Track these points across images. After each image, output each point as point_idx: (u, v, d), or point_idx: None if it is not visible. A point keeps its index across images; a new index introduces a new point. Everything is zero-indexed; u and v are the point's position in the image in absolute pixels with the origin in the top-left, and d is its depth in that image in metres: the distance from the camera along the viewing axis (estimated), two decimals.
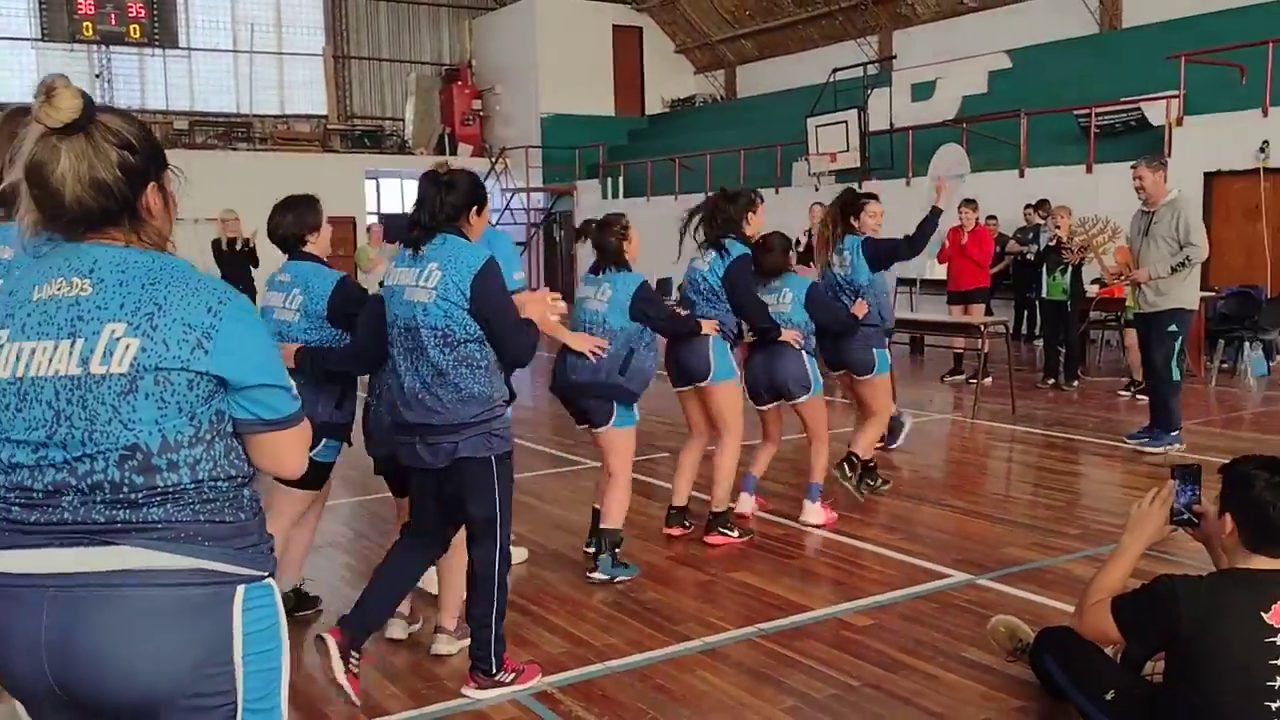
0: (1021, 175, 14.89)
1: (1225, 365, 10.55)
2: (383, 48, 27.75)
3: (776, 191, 19.04)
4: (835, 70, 18.17)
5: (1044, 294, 10.48)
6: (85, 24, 23.13)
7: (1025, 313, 13.71)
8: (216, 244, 11.89)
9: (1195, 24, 16.04)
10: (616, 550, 4.87)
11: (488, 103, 27.74)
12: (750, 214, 5.47)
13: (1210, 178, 12.80)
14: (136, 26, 23.52)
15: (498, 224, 23.46)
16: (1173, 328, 7.03)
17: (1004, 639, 3.69)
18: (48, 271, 1.75)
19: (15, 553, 1.69)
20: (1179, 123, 13.16)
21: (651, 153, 23.74)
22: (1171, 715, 2.79)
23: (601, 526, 4.93)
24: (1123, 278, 7.59)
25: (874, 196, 6.37)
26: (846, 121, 16.82)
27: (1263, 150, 12.09)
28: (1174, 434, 7.17)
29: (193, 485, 1.73)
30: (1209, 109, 13.09)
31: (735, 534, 5.42)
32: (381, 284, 3.90)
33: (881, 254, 6.06)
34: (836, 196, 6.35)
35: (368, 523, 5.98)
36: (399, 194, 28.13)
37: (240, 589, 1.76)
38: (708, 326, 5.26)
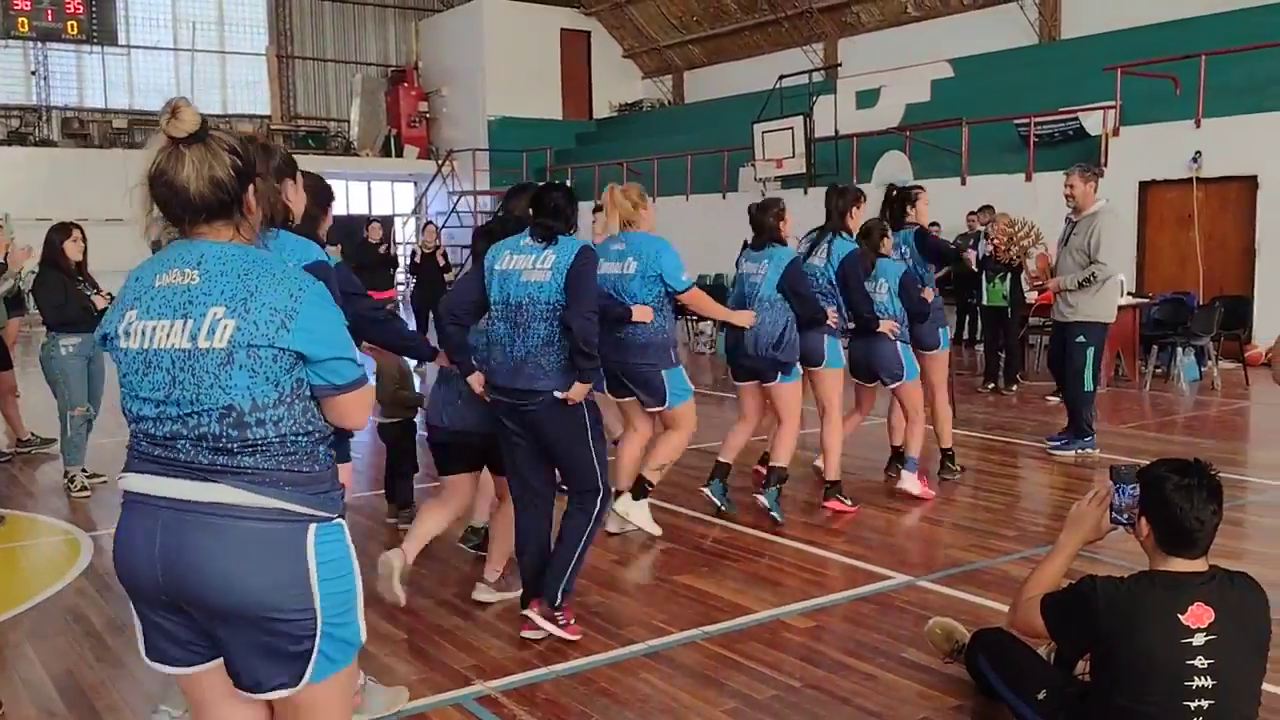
0: (963, 183, 15.13)
1: (1159, 370, 10.80)
2: (327, 48, 27.49)
3: (723, 196, 19.20)
4: (782, 77, 18.32)
5: (984, 300, 10.65)
6: (21, 19, 22.66)
7: (966, 318, 13.92)
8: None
9: (1131, 36, 16.41)
10: (780, 487, 5.78)
11: (434, 105, 27.60)
12: (855, 209, 6.10)
13: (1145, 187, 13.11)
14: (74, 23, 23.10)
15: (444, 226, 23.35)
16: (1080, 339, 7.15)
17: (941, 640, 3.75)
18: (165, 263, 2.14)
19: (142, 476, 2.14)
20: (1115, 133, 13.47)
21: (599, 157, 23.76)
22: (1099, 714, 2.86)
23: (771, 464, 5.87)
24: (1040, 284, 7.80)
25: (921, 188, 7.05)
26: (793, 128, 16.98)
27: (1195, 160, 12.41)
28: (1088, 439, 7.32)
29: (276, 439, 2.11)
30: (1144, 119, 13.40)
31: (849, 502, 5.98)
32: None
33: (937, 247, 6.96)
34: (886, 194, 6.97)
35: None
36: (343, 195, 27.86)
37: (313, 527, 2.12)
38: (886, 326, 6.08)
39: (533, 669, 3.88)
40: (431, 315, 12.92)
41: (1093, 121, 14.16)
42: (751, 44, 24.50)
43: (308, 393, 2.15)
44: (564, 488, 4.25)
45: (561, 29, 26.87)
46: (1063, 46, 18.39)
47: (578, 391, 3.99)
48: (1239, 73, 13.38)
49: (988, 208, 12.17)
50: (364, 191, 28.36)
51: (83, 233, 7.10)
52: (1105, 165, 13.43)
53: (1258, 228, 12.04)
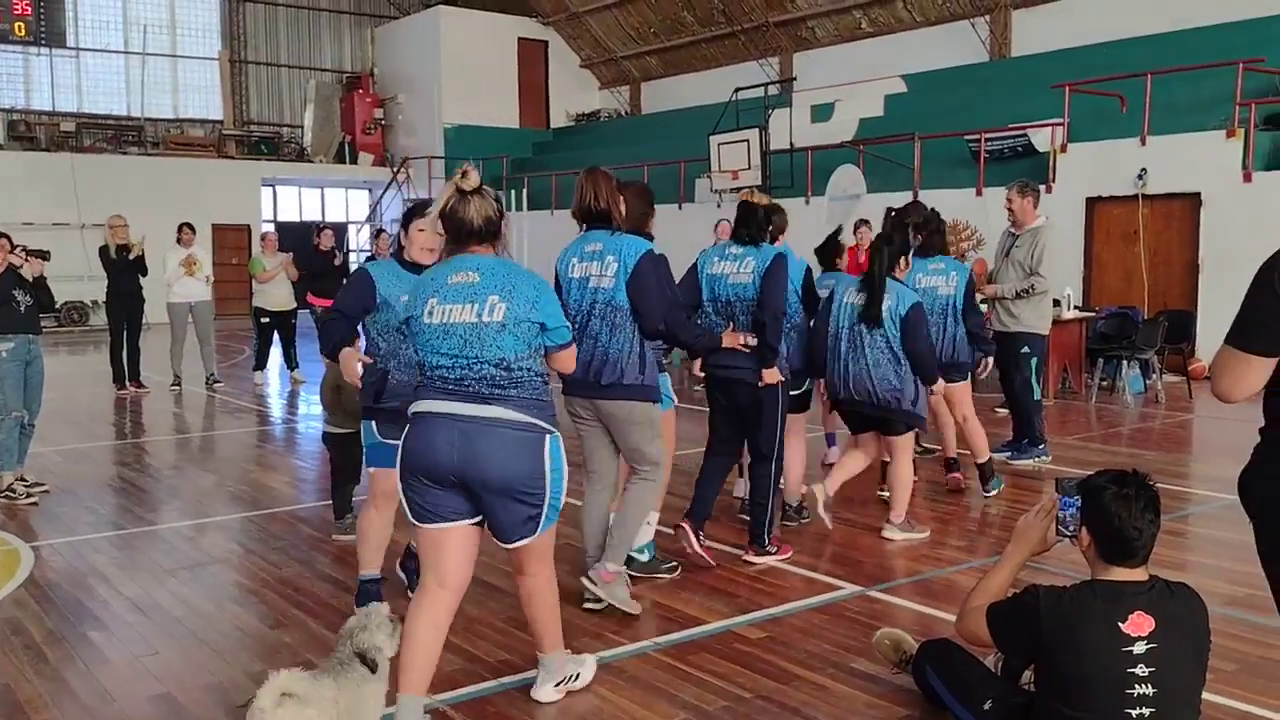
0: (915, 197, 15.27)
1: (1105, 383, 10.98)
2: (281, 53, 27.25)
3: (680, 207, 19.26)
4: (738, 90, 18.44)
5: None
6: None
7: None
8: (104, 251, 11.49)
9: (1078, 55, 16.72)
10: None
11: (390, 112, 27.44)
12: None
13: (1092, 203, 13.34)
14: (21, 24, 22.71)
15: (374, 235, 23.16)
16: (1025, 350, 7.34)
17: (889, 651, 3.78)
18: (454, 268, 3.28)
19: (441, 401, 3.25)
20: (1063, 149, 13.69)
21: (556, 166, 23.75)
22: None
23: (979, 463, 6.65)
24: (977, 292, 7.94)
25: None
26: (748, 140, 17.08)
27: (1141, 177, 12.65)
28: (1040, 447, 7.44)
29: (527, 379, 3.28)
30: (1091, 137, 13.65)
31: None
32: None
33: None
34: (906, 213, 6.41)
35: (257, 538, 5.84)
36: (296, 202, 27.64)
37: (548, 437, 3.30)
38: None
39: (482, 682, 3.86)
40: None
41: (1041, 138, 14.40)
42: (708, 56, 24.65)
43: (542, 349, 3.34)
44: None
45: (519, 38, 26.87)
46: (1012, 64, 18.69)
47: (771, 375, 4.98)
48: (1183, 92, 13.69)
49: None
50: (317, 198, 28.12)
51: (9, 240, 6.91)
52: (1054, 181, 13.68)
53: (1201, 244, 12.29)
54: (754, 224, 5.12)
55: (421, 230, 4.28)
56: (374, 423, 4.35)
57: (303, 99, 27.33)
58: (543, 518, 3.32)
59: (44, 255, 7.12)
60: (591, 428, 4.56)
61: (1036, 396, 7.38)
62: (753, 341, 4.94)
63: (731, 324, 5.06)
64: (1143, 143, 12.80)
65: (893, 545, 5.58)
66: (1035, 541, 3.26)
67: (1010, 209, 7.40)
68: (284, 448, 9.06)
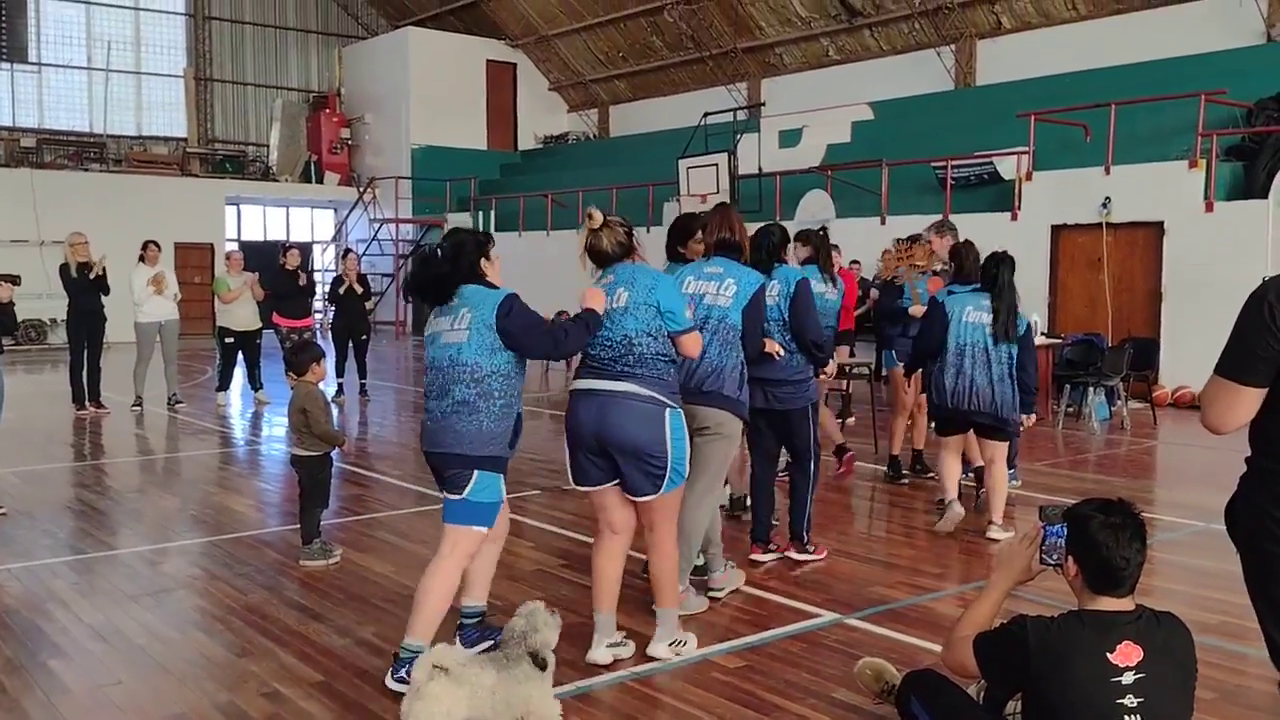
0: (883, 222, 15.40)
1: (1071, 409, 11.07)
2: (247, 72, 27.09)
3: (648, 230, 19.23)
4: (706, 114, 18.53)
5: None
6: None
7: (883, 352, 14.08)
8: (64, 269, 11.30)
9: (1043, 84, 16.97)
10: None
11: (356, 132, 27.34)
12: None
13: (1057, 230, 13.49)
14: None
15: (364, 254, 23.04)
16: None
17: (870, 680, 3.74)
18: (602, 276, 4.13)
19: (588, 379, 4.06)
20: (1028, 177, 13.85)
21: (524, 188, 23.75)
22: None
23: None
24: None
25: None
26: (717, 164, 17.14)
27: (1105, 206, 12.81)
28: (1010, 471, 7.46)
29: (651, 357, 4.02)
30: (1055, 165, 13.82)
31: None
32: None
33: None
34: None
35: (222, 563, 5.72)
36: (261, 221, 27.41)
37: (668, 410, 4.05)
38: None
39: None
40: (353, 345, 12.71)
41: (1007, 166, 14.56)
42: (677, 81, 24.77)
43: (663, 331, 4.05)
44: None
45: (487, 60, 26.89)
46: (978, 92, 18.93)
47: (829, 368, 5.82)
48: (1146, 122, 13.91)
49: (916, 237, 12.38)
50: (282, 217, 27.90)
51: None
52: (1019, 208, 13.84)
53: (1164, 272, 12.45)
54: (766, 249, 5.36)
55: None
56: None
57: (269, 117, 27.15)
58: (665, 479, 4.04)
59: (14, 280, 7.00)
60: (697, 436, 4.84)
61: None
62: (781, 350, 5.28)
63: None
64: (1107, 172, 12.97)
65: (870, 573, 5.55)
66: (1020, 570, 3.23)
67: (932, 250, 7.60)
68: (248, 470, 8.91)
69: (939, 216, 14.61)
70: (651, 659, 4.26)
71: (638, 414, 3.97)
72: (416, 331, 25.88)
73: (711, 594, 5.04)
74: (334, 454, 5.84)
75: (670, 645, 4.28)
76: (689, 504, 4.55)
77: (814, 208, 14.52)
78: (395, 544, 6.12)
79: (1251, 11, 15.52)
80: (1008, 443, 6.37)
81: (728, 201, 5.27)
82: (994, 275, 6.12)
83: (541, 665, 3.28)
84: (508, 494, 5.83)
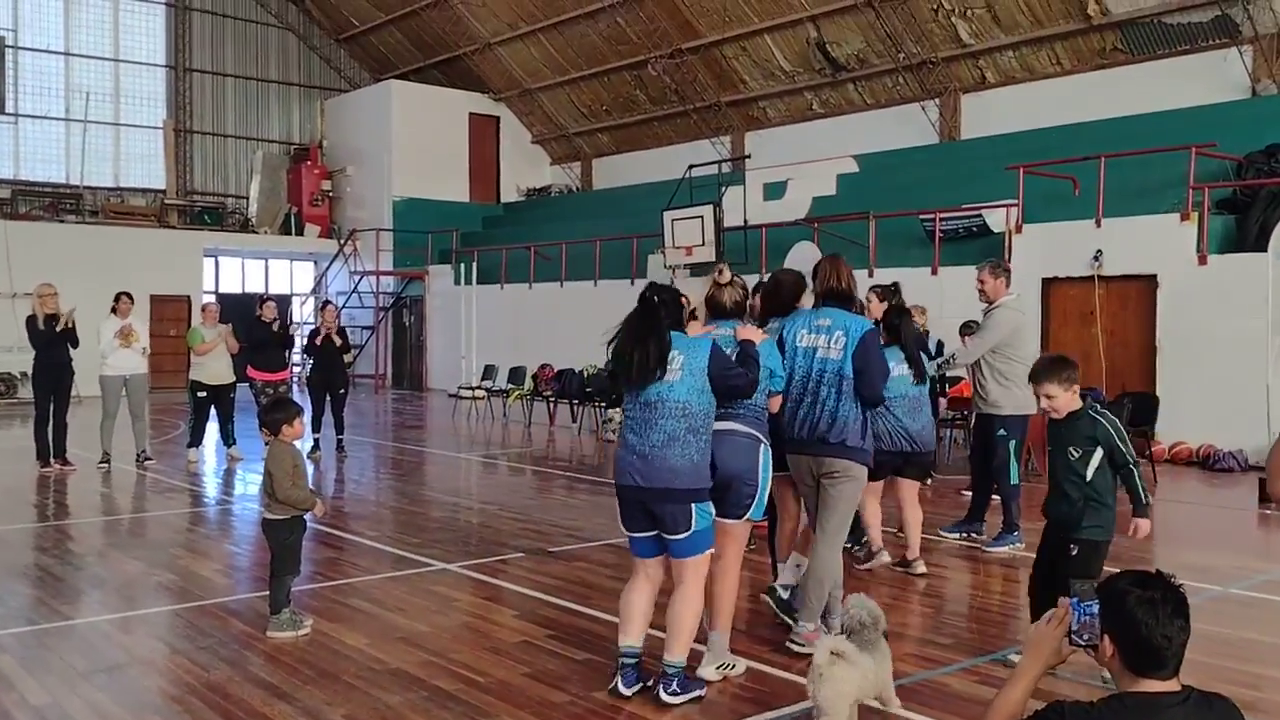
0: (871, 275, 15.19)
1: None
2: (228, 123, 26.93)
3: (632, 282, 19.05)
4: (691, 167, 18.42)
5: None
6: None
7: None
8: (31, 321, 10.92)
9: (1028, 138, 16.93)
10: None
11: (338, 184, 27.15)
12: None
13: (1048, 283, 13.32)
14: None
15: (344, 306, 22.72)
16: (1002, 432, 7.18)
17: None
18: (729, 330, 4.67)
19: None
20: (1018, 230, 13.71)
21: (506, 240, 23.57)
22: None
23: None
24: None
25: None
26: (702, 216, 16.99)
27: (1097, 259, 12.66)
28: (1015, 534, 7.20)
29: (752, 404, 4.57)
30: (1043, 218, 13.70)
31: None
32: None
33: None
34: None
35: (184, 635, 5.33)
36: (239, 273, 27.09)
37: (762, 445, 4.59)
38: None
39: None
40: (330, 399, 12.35)
41: (995, 218, 14.44)
42: (660, 134, 24.74)
43: (766, 389, 4.62)
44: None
45: (470, 113, 26.80)
46: (963, 146, 18.90)
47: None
48: (1134, 175, 13.81)
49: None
50: (261, 269, 27.57)
51: None
52: (1009, 261, 13.64)
53: (1158, 325, 12.28)
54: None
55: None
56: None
57: (249, 169, 26.94)
58: (754, 504, 4.55)
59: None
60: (810, 489, 5.04)
61: (1014, 480, 7.15)
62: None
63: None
64: (1098, 224, 12.84)
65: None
66: (1049, 653, 2.91)
67: (982, 288, 7.34)
68: (218, 532, 8.50)
69: (927, 269, 14.57)
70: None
71: (740, 448, 4.51)
72: (396, 385, 25.51)
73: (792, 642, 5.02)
74: (307, 517, 5.47)
75: (718, 668, 4.61)
76: (821, 544, 4.93)
77: (801, 259, 14.29)
78: (370, 612, 5.74)
79: (1236, 66, 15.57)
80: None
81: (837, 252, 5.59)
82: (896, 327, 6.51)
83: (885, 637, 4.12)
84: (486, 557, 6.26)
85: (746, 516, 4.60)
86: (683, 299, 4.62)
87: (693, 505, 4.22)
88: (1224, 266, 11.86)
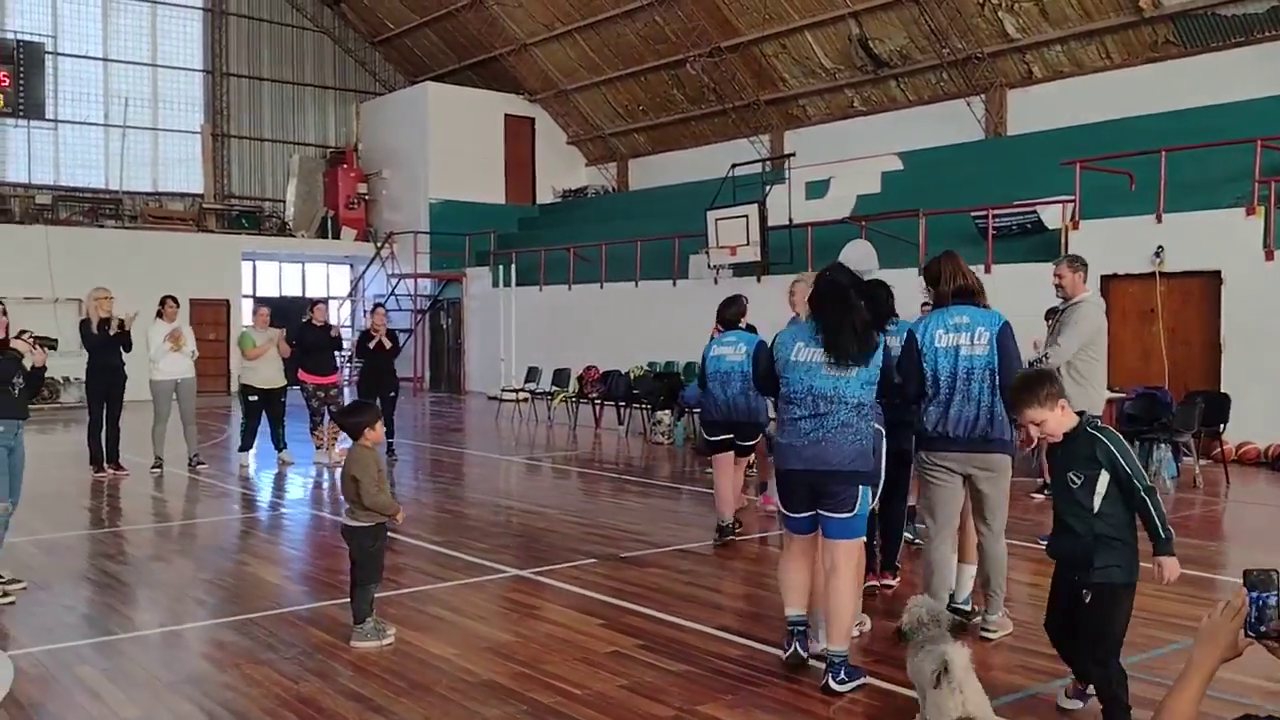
0: (919, 274, 14.96)
1: None
2: (265, 127, 26.98)
3: (674, 284, 18.92)
4: (734, 165, 18.26)
5: None
6: None
7: None
8: (85, 325, 10.87)
9: (1076, 134, 16.64)
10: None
11: (374, 187, 27.14)
12: None
13: (1106, 280, 13.03)
14: (1, 96, 22.18)
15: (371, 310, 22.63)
16: None
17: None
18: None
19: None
20: (1075, 226, 13.44)
21: (542, 242, 23.46)
22: None
23: None
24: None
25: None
26: (747, 216, 16.79)
27: (1158, 255, 12.38)
28: None
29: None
30: (1097, 214, 13.41)
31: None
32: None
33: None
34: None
35: (264, 644, 5.19)
36: (276, 276, 27.14)
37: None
38: None
39: None
40: (380, 403, 12.24)
41: (1051, 215, 14.17)
42: (697, 134, 24.56)
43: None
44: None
45: (505, 114, 26.72)
46: (1010, 142, 18.61)
47: None
48: (1191, 170, 13.50)
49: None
50: (298, 273, 27.61)
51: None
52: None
53: (1222, 323, 11.99)
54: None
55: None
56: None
57: (285, 173, 26.99)
58: (863, 490, 4.62)
59: (52, 344, 6.63)
60: (949, 481, 5.04)
61: None
62: None
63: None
64: (1159, 220, 12.56)
65: (979, 653, 5.00)
66: (1225, 647, 2.72)
67: (1060, 283, 7.15)
68: (278, 537, 8.41)
69: (980, 267, 14.30)
70: None
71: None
72: (434, 388, 25.46)
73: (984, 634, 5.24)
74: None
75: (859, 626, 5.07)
76: (990, 540, 5.12)
77: (856, 258, 13.94)
78: (451, 621, 5.60)
79: None
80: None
81: (952, 250, 5.40)
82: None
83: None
84: (558, 563, 6.42)
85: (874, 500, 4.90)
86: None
87: (860, 487, 4.54)
88: None
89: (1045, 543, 6.89)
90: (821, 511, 4.57)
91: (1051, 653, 4.93)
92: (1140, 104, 16.50)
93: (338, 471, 11.44)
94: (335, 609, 5.76)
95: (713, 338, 7.86)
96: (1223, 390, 11.62)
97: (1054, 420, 3.97)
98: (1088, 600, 3.90)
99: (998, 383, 4.93)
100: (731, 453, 7.66)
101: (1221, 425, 10.42)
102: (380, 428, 5.25)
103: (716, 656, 4.96)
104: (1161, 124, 15.45)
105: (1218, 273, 12.03)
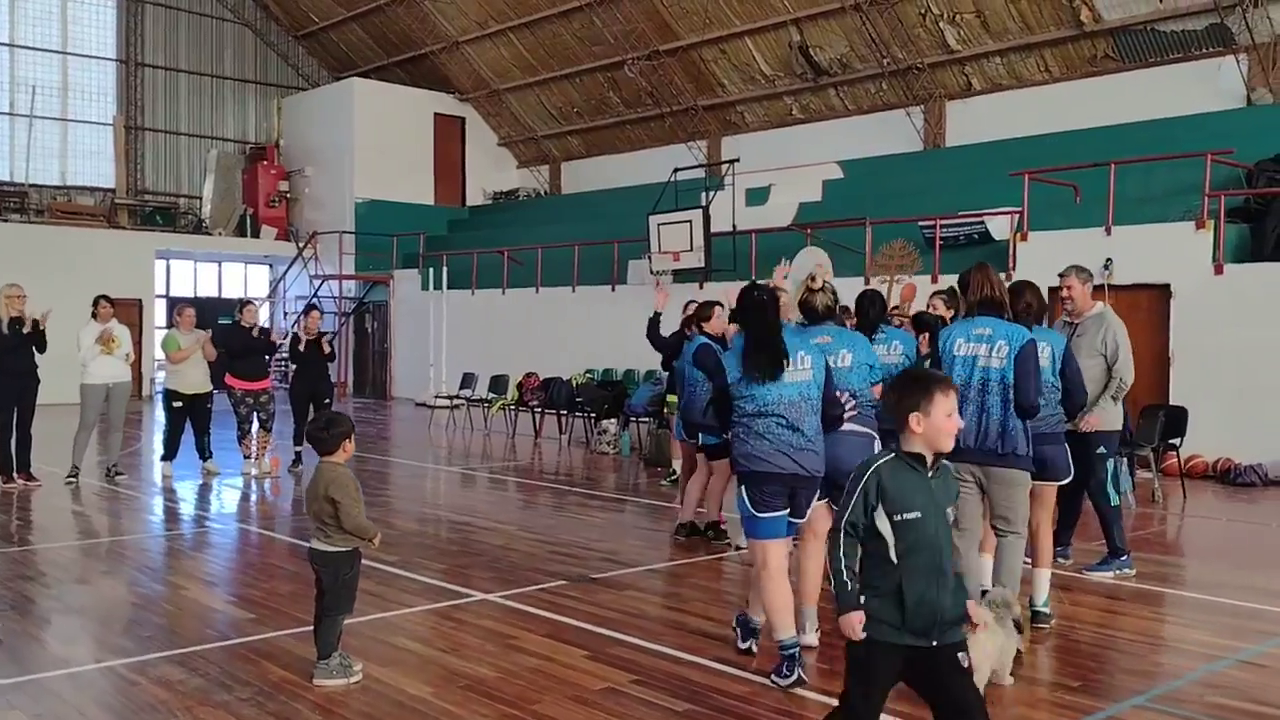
0: (866, 282, 14.82)
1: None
2: (181, 121, 25.94)
3: (613, 289, 18.54)
4: (677, 170, 17.96)
5: None
6: None
7: None
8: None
9: (1017, 145, 16.73)
10: None
11: (296, 185, 26.26)
12: None
13: (1054, 291, 12.94)
14: None
15: (304, 311, 21.85)
16: (1101, 450, 6.69)
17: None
18: (812, 335, 5.07)
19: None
20: (1024, 237, 13.40)
21: (473, 244, 22.91)
22: None
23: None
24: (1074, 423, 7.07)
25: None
26: (691, 221, 16.49)
27: (1107, 267, 12.37)
28: (1124, 558, 6.78)
29: (865, 404, 5.13)
30: (1042, 226, 13.39)
31: None
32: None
33: None
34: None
35: (218, 682, 4.66)
36: (191, 276, 26.09)
37: (875, 441, 5.07)
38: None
39: None
40: (314, 409, 11.62)
41: (998, 225, 14.13)
42: (633, 138, 24.23)
43: (870, 382, 5.17)
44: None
45: (435, 113, 26.09)
46: (952, 153, 18.63)
47: None
48: (1135, 184, 13.57)
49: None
50: (214, 273, 26.57)
51: None
52: (1013, 269, 13.33)
53: (1172, 336, 12.01)
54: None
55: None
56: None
57: (202, 168, 25.97)
58: None
59: None
60: (968, 491, 4.99)
61: (1114, 502, 6.72)
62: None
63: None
64: (1108, 232, 12.57)
65: (1002, 691, 4.70)
66: None
67: (1070, 296, 6.86)
68: (212, 557, 7.78)
69: (927, 277, 14.19)
70: None
71: (857, 446, 4.89)
72: (358, 394, 24.66)
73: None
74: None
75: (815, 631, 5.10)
76: (1008, 545, 5.12)
77: (807, 265, 13.81)
78: (422, 654, 5.12)
79: (1231, 74, 15.46)
80: None
81: (984, 262, 5.40)
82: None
83: (1019, 628, 4.66)
84: (526, 585, 6.28)
85: None
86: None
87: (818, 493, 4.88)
88: (1241, 276, 11.63)
89: (1064, 559, 6.69)
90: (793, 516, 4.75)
91: (1074, 684, 4.65)
92: (1078, 118, 16.62)
93: (267, 483, 10.91)
94: (290, 640, 5.25)
95: (686, 336, 8.15)
96: (1171, 403, 11.65)
97: None
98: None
99: (1012, 398, 4.95)
100: (704, 454, 7.66)
101: (1178, 439, 10.39)
102: (353, 442, 4.76)
103: (719, 693, 4.58)
104: (1101, 138, 15.55)
105: (1167, 286, 12.06)
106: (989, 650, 4.34)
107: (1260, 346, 11.28)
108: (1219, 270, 11.73)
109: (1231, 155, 12.44)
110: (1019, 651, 4.72)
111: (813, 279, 5.13)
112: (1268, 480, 11.06)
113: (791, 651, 4.58)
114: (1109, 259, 12.45)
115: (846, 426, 4.95)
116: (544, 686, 4.62)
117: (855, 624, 2.99)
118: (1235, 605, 6.15)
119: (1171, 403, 11.65)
